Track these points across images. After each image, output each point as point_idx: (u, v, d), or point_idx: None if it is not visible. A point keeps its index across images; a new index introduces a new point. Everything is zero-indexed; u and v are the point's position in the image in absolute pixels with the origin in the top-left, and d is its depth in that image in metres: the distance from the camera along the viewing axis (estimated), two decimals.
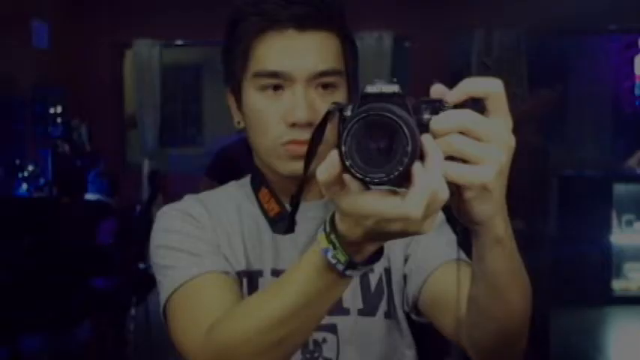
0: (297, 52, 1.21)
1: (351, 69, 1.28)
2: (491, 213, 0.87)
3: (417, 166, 0.79)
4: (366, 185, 0.81)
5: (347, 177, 0.82)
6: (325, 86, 1.22)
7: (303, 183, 1.10)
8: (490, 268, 0.95)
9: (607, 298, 6.25)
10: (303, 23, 1.21)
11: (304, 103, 1.20)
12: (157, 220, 1.33)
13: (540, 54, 7.85)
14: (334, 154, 0.81)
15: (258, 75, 1.23)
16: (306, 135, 1.12)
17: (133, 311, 4.92)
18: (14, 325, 4.28)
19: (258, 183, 1.33)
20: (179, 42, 8.98)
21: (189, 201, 1.36)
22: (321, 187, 0.84)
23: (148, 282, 4.68)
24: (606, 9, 7.04)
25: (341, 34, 1.26)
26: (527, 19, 7.25)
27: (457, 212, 0.89)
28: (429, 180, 0.79)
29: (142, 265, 5.01)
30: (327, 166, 0.82)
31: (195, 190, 1.40)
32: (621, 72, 7.95)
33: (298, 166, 1.14)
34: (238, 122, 1.31)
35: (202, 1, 7.34)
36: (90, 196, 5.51)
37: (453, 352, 1.23)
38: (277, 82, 1.22)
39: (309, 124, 1.18)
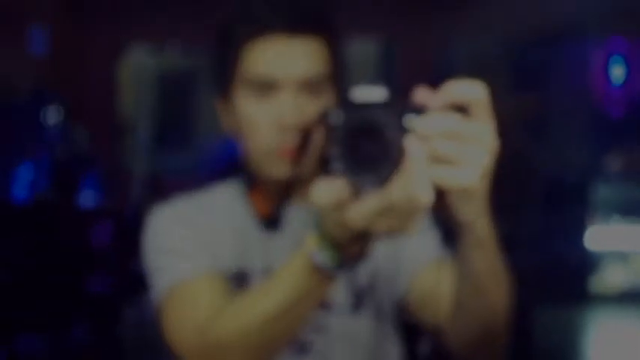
0: (286, 58, 1.22)
1: (340, 74, 1.29)
2: (475, 215, 0.90)
3: (405, 159, 0.81)
4: (355, 190, 0.84)
5: (335, 185, 0.84)
6: (314, 91, 1.24)
7: (291, 184, 1.13)
8: (473, 268, 0.97)
9: (586, 297, 6.30)
10: (292, 29, 1.23)
11: (294, 108, 1.21)
12: (148, 222, 1.35)
13: (522, 59, 7.86)
14: (339, 183, 0.83)
15: (248, 80, 1.24)
16: (295, 139, 1.14)
17: (128, 311, 4.92)
18: (11, 325, 4.28)
19: (249, 184, 1.34)
20: (176, 47, 8.97)
21: (179, 201, 1.37)
22: (313, 202, 0.87)
23: (143, 283, 4.67)
24: (586, 15, 7.05)
25: (330, 40, 1.27)
26: (508, 25, 7.26)
27: (441, 214, 0.91)
28: (414, 171, 0.81)
29: (137, 267, 5.00)
30: (327, 192, 0.85)
31: (191, 192, 1.41)
32: (600, 76, 7.96)
33: (288, 169, 1.18)
34: (229, 126, 1.33)
35: (199, 7, 7.34)
36: (86, 199, 5.52)
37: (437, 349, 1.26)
38: (267, 87, 1.23)
39: (298, 128, 1.20)
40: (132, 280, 4.86)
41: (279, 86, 1.23)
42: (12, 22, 6.79)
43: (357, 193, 0.84)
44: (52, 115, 6.82)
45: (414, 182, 0.81)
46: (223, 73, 1.29)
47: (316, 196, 0.85)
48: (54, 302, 4.32)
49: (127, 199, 7.06)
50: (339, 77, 1.29)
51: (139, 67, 8.54)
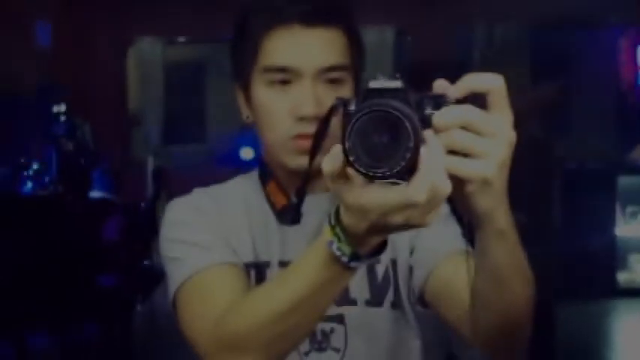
0: (304, 48, 1.24)
1: (357, 64, 1.31)
2: (493, 206, 0.89)
3: (422, 155, 0.81)
4: (370, 180, 0.83)
5: (351, 171, 0.84)
6: (332, 81, 1.26)
7: (308, 175, 1.13)
8: (492, 260, 0.96)
9: (612, 290, 6.22)
10: (310, 19, 1.24)
11: (312, 98, 1.23)
12: (166, 213, 1.36)
13: (543, 46, 7.83)
14: (338, 147, 0.83)
15: (267, 70, 1.26)
16: (313, 129, 1.14)
17: (138, 308, 4.93)
18: (21, 322, 4.30)
19: (266, 176, 1.36)
20: (182, 39, 8.98)
21: (197, 194, 1.39)
22: (326, 179, 0.86)
23: (153, 279, 4.70)
24: (609, 1, 7.03)
25: (347, 30, 1.29)
26: (530, 11, 7.23)
27: (459, 205, 0.90)
28: (432, 168, 0.81)
29: (147, 262, 5.02)
30: (332, 158, 0.85)
31: (200, 185, 1.42)
32: (624, 64, 7.92)
33: (305, 160, 1.17)
34: (247, 117, 1.34)
35: None
36: (94, 194, 5.53)
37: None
38: (285, 76, 1.25)
39: (316, 119, 1.19)
40: (142, 276, 4.88)
41: (297, 76, 1.25)
42: (17, 16, 6.80)
43: (371, 182, 0.83)
44: (59, 110, 6.83)
45: (432, 174, 0.81)
46: (242, 63, 1.31)
47: (324, 163, 0.86)
48: (63, 299, 4.33)
49: (136, 192, 7.07)
50: (357, 67, 1.31)
51: (145, 60, 8.53)
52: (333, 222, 0.92)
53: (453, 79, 0.88)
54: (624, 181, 6.43)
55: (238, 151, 8.81)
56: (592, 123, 7.90)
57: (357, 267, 0.95)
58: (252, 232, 1.33)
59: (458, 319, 1.18)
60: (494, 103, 0.86)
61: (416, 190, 0.81)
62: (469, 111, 0.84)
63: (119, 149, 8.22)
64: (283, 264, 1.30)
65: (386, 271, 1.33)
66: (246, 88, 1.31)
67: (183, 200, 1.37)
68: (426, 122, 0.84)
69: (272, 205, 1.34)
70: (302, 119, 1.23)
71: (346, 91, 1.26)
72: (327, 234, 0.93)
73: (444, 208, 1.29)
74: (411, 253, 1.33)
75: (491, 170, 0.84)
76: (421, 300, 1.31)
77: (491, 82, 0.87)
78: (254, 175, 1.40)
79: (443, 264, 1.26)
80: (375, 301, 1.32)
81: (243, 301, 1.12)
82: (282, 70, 1.25)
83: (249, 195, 1.37)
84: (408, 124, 0.80)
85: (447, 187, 0.82)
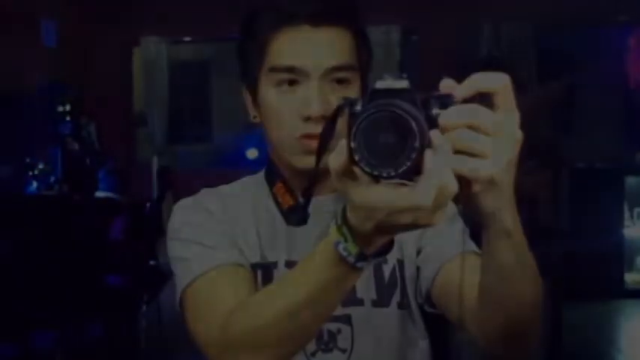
0: (312, 48, 1.24)
1: (364, 64, 1.31)
2: (499, 206, 0.89)
3: (426, 157, 0.80)
4: (376, 179, 0.82)
5: (357, 170, 0.83)
6: (339, 81, 1.25)
7: (315, 176, 1.12)
8: (499, 259, 0.96)
9: (619, 291, 6.20)
10: (317, 19, 1.24)
11: (319, 98, 1.23)
12: (173, 213, 1.36)
13: (550, 46, 7.82)
14: (344, 142, 0.83)
15: (274, 70, 1.26)
16: (320, 129, 1.13)
17: (144, 308, 4.94)
18: (26, 322, 4.30)
19: (273, 176, 1.36)
20: (187, 39, 8.98)
21: (205, 194, 1.38)
22: (333, 176, 0.86)
23: (159, 279, 4.70)
24: (618, 0, 7.01)
25: (355, 30, 1.29)
26: (537, 11, 7.22)
27: (466, 205, 0.90)
28: (438, 169, 0.80)
29: (152, 262, 5.02)
30: (338, 153, 0.84)
31: (204, 186, 1.42)
32: (633, 63, 7.90)
33: (312, 160, 1.15)
34: (254, 117, 1.34)
35: None
36: (100, 194, 5.54)
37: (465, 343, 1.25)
38: (292, 76, 1.25)
39: (323, 119, 1.19)
40: (148, 276, 4.88)
41: (304, 76, 1.24)
42: (24, 16, 6.81)
43: (377, 182, 0.83)
44: (64, 110, 6.84)
45: (438, 174, 0.81)
46: (249, 63, 1.31)
47: (330, 160, 0.85)
48: (69, 299, 4.33)
49: (141, 192, 7.08)
50: (365, 67, 1.31)
51: (150, 59, 8.53)
52: (339, 222, 0.91)
53: (459, 78, 0.87)
54: (632, 181, 6.40)
55: (244, 151, 8.83)
56: (600, 122, 7.88)
57: (364, 267, 0.94)
58: (259, 232, 1.34)
59: (463, 320, 1.18)
60: (501, 102, 0.86)
61: (422, 193, 0.81)
62: (475, 110, 0.84)
63: (124, 149, 8.23)
64: (290, 264, 1.30)
65: (393, 272, 1.33)
66: (254, 89, 1.31)
67: (190, 201, 1.38)
68: (433, 122, 0.83)
69: (279, 205, 1.34)
70: (309, 119, 1.23)
71: (353, 91, 1.26)
72: (333, 234, 0.93)
73: (451, 208, 1.30)
74: (418, 253, 1.33)
75: (497, 170, 0.84)
76: (428, 300, 1.31)
77: (497, 82, 0.86)
78: (261, 176, 1.40)
79: (449, 264, 1.26)
80: (382, 301, 1.32)
81: (249, 301, 1.12)
82: (289, 70, 1.24)
83: (257, 195, 1.38)
84: (413, 124, 0.79)
85: (453, 187, 0.82)
